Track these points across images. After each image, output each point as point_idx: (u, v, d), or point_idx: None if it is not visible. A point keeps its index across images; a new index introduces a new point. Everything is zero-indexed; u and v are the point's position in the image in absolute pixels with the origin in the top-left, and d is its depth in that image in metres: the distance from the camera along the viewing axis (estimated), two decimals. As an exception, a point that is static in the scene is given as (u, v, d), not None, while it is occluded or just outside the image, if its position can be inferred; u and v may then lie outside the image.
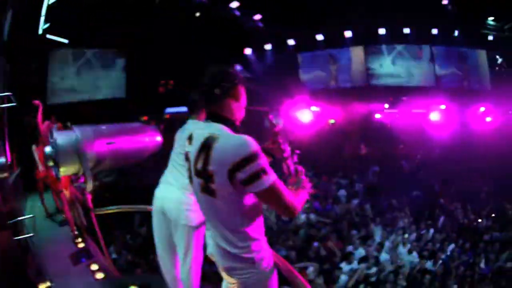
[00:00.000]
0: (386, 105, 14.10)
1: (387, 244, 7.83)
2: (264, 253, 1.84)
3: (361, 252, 7.41)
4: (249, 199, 1.74)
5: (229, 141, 1.69)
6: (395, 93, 13.45)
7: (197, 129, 1.84)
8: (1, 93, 3.98)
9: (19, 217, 4.07)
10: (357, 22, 12.30)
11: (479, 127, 12.78)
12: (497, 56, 12.82)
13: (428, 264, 7.45)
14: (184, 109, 3.03)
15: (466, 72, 13.05)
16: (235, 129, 1.79)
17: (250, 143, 1.65)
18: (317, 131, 12.76)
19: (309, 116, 12.85)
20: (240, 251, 1.78)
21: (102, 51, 11.64)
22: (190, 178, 1.88)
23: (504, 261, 7.81)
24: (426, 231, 8.82)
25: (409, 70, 13.20)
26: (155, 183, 2.91)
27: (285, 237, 7.77)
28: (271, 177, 1.67)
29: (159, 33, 10.52)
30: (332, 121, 14.22)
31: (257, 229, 1.81)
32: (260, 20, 12.28)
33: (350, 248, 7.57)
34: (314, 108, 13.25)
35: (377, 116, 14.33)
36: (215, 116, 1.80)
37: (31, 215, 4.30)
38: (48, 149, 3.68)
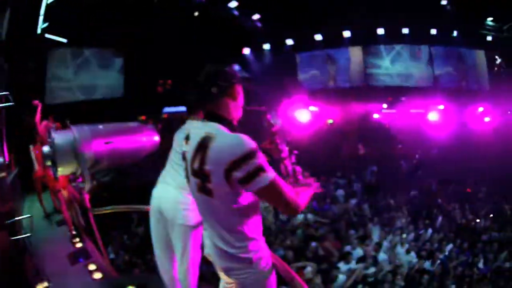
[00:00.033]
0: (385, 105, 14.12)
1: (385, 244, 7.82)
2: (262, 253, 1.82)
3: (359, 252, 7.39)
4: (246, 199, 1.72)
5: (226, 140, 1.67)
6: (394, 93, 13.49)
7: (194, 128, 1.82)
8: (-1, 92, 3.97)
9: (17, 217, 4.07)
10: (355, 22, 12.33)
11: (478, 127, 12.82)
12: (496, 57, 12.86)
13: (426, 264, 7.43)
14: (182, 108, 3.03)
15: (465, 72, 13.09)
16: (232, 128, 1.77)
17: (247, 141, 1.63)
18: (315, 131, 12.73)
19: (307, 116, 12.83)
20: (238, 251, 1.77)
21: (101, 50, 11.66)
22: (187, 177, 1.86)
23: (502, 261, 7.80)
24: (424, 231, 8.80)
25: (407, 70, 13.23)
26: (153, 183, 2.89)
27: (283, 237, 7.75)
28: (270, 174, 1.64)
29: (157, 33, 10.53)
30: (330, 121, 14.23)
31: (254, 229, 1.80)
32: (259, 20, 12.30)
33: (348, 248, 7.54)
34: (312, 108, 13.25)
35: (376, 116, 14.35)
36: (212, 115, 1.78)
37: (28, 215, 4.30)
38: (46, 148, 3.68)
